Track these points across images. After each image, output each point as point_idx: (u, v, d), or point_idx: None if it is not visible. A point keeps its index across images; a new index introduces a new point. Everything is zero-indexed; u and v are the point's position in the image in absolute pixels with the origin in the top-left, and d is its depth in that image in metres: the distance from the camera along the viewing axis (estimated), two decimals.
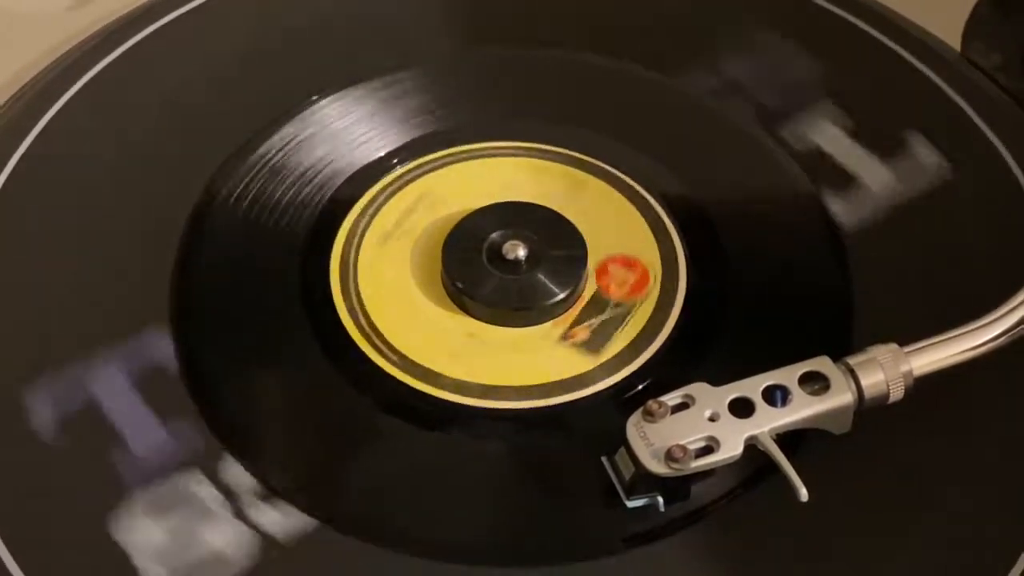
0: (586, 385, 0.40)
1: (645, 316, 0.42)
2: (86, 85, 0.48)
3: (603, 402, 0.40)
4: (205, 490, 0.38)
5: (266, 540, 0.37)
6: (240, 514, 0.37)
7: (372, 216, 0.45)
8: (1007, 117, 0.47)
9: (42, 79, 0.48)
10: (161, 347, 0.41)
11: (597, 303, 0.42)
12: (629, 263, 0.43)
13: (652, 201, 0.45)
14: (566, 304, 0.42)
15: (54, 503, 0.37)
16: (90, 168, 0.46)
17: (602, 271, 0.43)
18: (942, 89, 0.48)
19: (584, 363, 0.41)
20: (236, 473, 0.38)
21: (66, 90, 0.47)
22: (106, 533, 0.36)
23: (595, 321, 0.42)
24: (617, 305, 0.42)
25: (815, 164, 0.46)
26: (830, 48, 0.50)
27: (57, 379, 0.40)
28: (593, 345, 0.41)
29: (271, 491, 0.38)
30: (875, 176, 0.46)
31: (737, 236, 0.45)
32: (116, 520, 0.37)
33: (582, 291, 0.43)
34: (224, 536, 0.37)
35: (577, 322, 0.42)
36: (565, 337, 0.41)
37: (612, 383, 0.41)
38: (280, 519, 0.37)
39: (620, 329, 0.41)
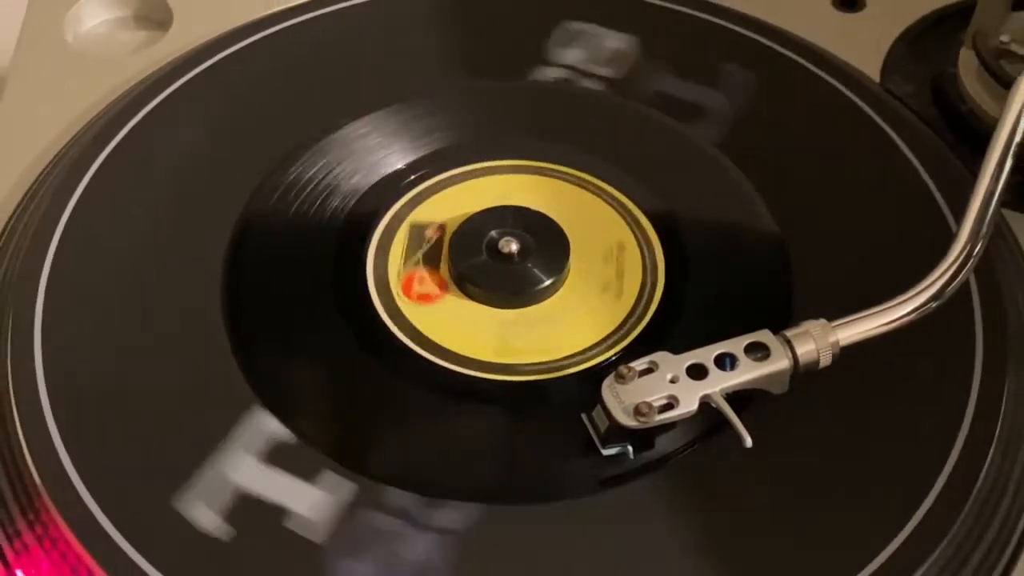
0: (572, 362, 0.42)
1: (632, 296, 0.44)
2: (143, 120, 0.48)
3: (581, 372, 0.41)
4: (381, 519, 0.38)
5: (447, 535, 0.37)
6: (420, 524, 0.37)
7: (395, 227, 0.46)
8: (920, 138, 0.48)
9: (106, 114, 0.49)
10: (267, 421, 0.39)
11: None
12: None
13: (623, 198, 0.46)
14: (552, 289, 0.44)
15: None
16: (146, 197, 0.46)
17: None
18: (867, 113, 0.49)
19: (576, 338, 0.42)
20: (394, 494, 0.38)
21: (126, 123, 0.48)
22: None
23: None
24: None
25: (760, 167, 0.47)
26: (773, 80, 0.51)
27: (198, 483, 0.38)
28: None
29: (430, 496, 0.38)
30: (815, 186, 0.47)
31: (694, 230, 0.46)
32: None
33: (565, 278, 0.44)
34: (417, 547, 0.37)
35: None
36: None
37: (602, 356, 0.42)
38: (451, 514, 0.37)
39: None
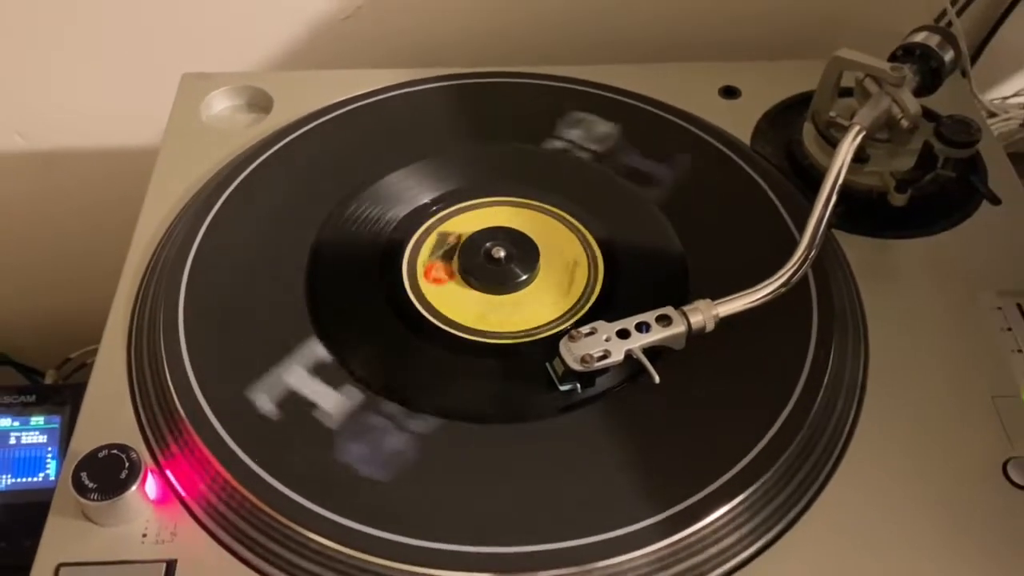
0: (541, 330, 0.44)
1: (580, 288, 0.45)
2: (250, 173, 0.49)
3: (549, 338, 0.43)
4: (376, 419, 0.40)
5: (416, 437, 0.39)
6: (400, 426, 0.39)
7: (422, 240, 0.47)
8: (777, 182, 0.50)
9: (227, 169, 0.50)
10: (318, 350, 0.42)
11: None
12: None
13: (577, 224, 0.48)
14: (527, 282, 0.45)
15: (291, 449, 0.39)
16: (255, 219, 0.47)
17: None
18: (740, 165, 0.50)
19: (543, 315, 0.44)
20: (389, 407, 0.40)
21: (239, 174, 0.49)
22: (333, 458, 0.38)
23: None
24: None
25: (670, 200, 0.48)
26: (673, 144, 0.52)
27: (265, 381, 0.41)
28: None
29: (409, 409, 0.40)
30: (704, 213, 0.48)
31: (624, 247, 0.47)
32: (335, 450, 0.38)
33: (536, 275, 0.46)
34: (399, 440, 0.39)
35: None
36: None
37: (561, 327, 0.44)
38: (419, 423, 0.39)
39: None
